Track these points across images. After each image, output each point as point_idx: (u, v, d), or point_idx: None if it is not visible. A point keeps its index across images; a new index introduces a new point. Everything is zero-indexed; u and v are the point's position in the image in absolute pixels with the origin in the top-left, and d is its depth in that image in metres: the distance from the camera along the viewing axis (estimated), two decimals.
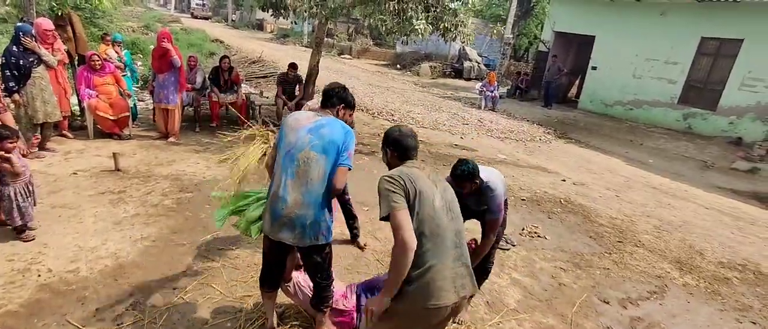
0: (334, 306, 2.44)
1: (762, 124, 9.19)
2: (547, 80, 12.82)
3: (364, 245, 3.63)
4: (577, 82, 14.52)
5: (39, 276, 2.76)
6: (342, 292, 2.58)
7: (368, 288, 2.60)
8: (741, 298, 3.59)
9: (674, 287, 3.64)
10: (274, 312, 2.52)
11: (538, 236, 4.29)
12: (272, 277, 2.36)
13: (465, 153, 7.18)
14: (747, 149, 8.90)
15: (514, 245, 4.00)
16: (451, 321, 1.88)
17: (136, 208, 3.80)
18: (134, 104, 6.04)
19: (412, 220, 1.63)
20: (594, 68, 12.37)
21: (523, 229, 4.39)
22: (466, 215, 2.39)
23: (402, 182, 1.68)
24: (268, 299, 2.43)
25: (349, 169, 2.09)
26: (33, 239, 3.13)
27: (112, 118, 5.36)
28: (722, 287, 3.74)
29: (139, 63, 10.74)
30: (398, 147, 1.87)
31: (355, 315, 2.52)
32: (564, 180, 6.27)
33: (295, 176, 2.04)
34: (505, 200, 2.63)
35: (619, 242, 4.39)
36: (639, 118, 11.27)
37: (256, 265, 3.16)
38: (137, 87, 8.51)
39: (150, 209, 3.80)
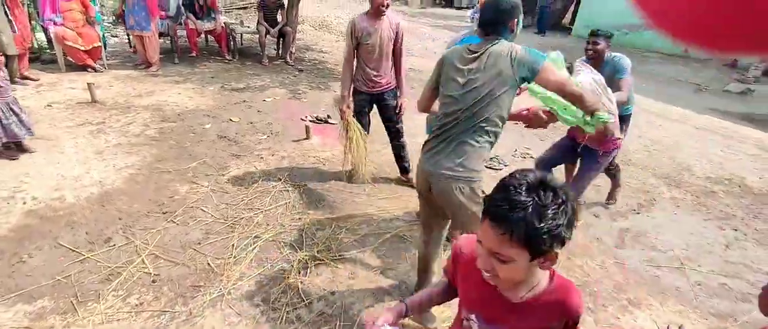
0: None
1: None
2: (542, 6, 12.25)
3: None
4: (572, 7, 13.92)
5: (24, 203, 2.69)
6: None
7: None
8: (725, 209, 3.67)
9: (662, 200, 3.70)
10: None
11: (531, 157, 4.27)
12: None
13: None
14: (742, 71, 8.79)
15: (506, 165, 4.00)
16: (446, 206, 1.82)
17: (117, 138, 3.66)
18: (103, 35, 5.63)
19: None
20: None
21: (515, 150, 4.37)
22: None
23: (438, 66, 1.83)
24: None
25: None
26: (15, 159, 3.15)
27: (82, 48, 5.02)
28: (708, 199, 3.81)
29: None
30: (481, 17, 1.79)
31: None
32: None
33: None
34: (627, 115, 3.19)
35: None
36: (635, 42, 10.96)
37: (246, 189, 3.12)
38: (109, 22, 7.97)
39: (132, 139, 3.67)
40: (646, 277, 2.67)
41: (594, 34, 2.93)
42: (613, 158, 2.87)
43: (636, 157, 4.59)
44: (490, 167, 3.92)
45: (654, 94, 7.62)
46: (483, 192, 1.76)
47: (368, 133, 3.25)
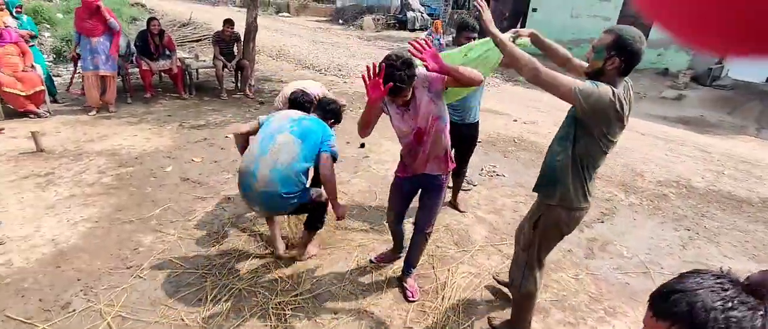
0: None
1: (685, 54, 9.90)
2: None
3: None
4: (518, 25, 14.76)
5: None
6: None
7: None
8: (677, 210, 3.95)
9: (622, 207, 3.93)
10: (278, 239, 2.78)
11: (497, 174, 4.41)
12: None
13: None
14: (673, 78, 9.61)
15: (474, 185, 4.09)
16: None
17: (69, 189, 3.41)
18: (48, 76, 5.29)
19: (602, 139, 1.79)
20: (534, 10, 12.59)
21: (482, 169, 4.49)
22: None
23: (613, 109, 1.68)
24: (269, 224, 2.79)
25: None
26: None
27: (22, 94, 4.69)
28: (661, 202, 4.09)
29: (48, 34, 9.43)
30: (631, 59, 1.65)
31: None
32: (515, 120, 6.46)
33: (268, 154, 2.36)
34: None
35: None
36: (579, 57, 11.73)
37: (216, 233, 2.99)
38: (50, 61, 7.54)
39: (86, 189, 3.44)
40: (617, 285, 2.79)
41: (470, 28, 3.07)
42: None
43: None
44: (463, 189, 4.00)
45: None
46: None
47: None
